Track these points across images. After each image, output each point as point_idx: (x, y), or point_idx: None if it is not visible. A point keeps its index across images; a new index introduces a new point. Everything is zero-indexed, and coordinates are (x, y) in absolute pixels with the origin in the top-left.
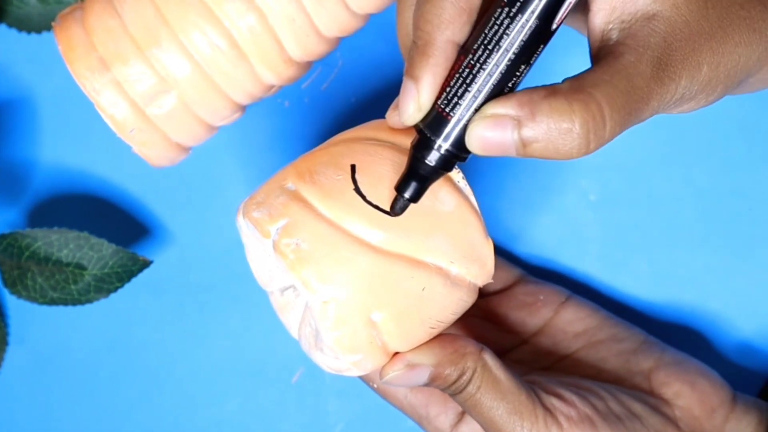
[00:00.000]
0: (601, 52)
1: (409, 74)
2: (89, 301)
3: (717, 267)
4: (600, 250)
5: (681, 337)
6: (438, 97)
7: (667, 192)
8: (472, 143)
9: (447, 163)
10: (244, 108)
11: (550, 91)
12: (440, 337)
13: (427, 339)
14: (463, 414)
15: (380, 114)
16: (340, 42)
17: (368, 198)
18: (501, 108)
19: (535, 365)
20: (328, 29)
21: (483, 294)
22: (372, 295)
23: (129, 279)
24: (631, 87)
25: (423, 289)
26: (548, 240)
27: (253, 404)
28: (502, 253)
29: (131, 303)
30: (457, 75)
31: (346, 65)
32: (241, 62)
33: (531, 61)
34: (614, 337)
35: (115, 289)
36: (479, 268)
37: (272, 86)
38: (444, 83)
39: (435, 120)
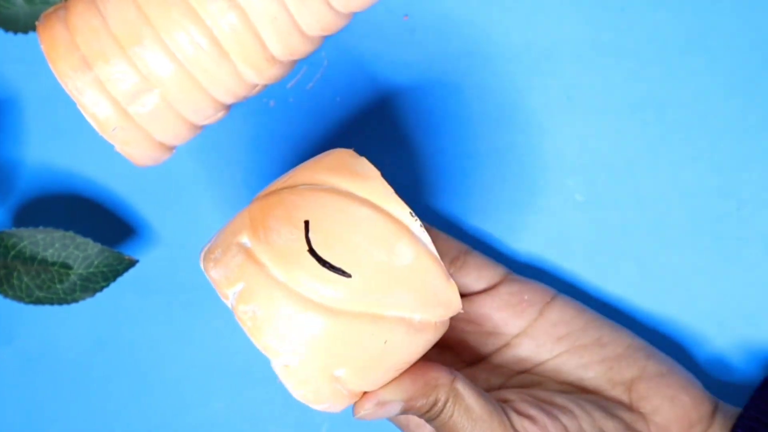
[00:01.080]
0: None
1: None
2: (75, 300)
3: (705, 267)
4: (586, 251)
5: (668, 337)
6: None
7: (654, 192)
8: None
9: None
10: (228, 107)
11: None
12: (412, 370)
13: (395, 376)
14: None
15: (364, 114)
16: (325, 41)
17: (324, 257)
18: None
19: (517, 367)
20: (311, 28)
21: (467, 293)
22: (331, 355)
23: (115, 278)
24: None
25: (385, 342)
26: (534, 240)
27: (240, 404)
28: (488, 252)
29: (117, 302)
30: None
31: (331, 64)
32: (223, 61)
33: None
34: (598, 341)
35: (101, 289)
36: (444, 309)
37: (256, 85)
38: None
39: None
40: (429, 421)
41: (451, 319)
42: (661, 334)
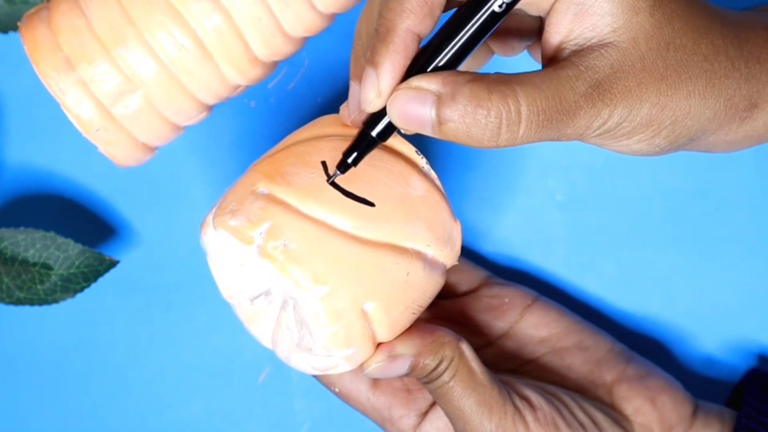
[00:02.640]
0: (546, 65)
1: (370, 61)
2: (56, 300)
3: (684, 267)
4: (566, 251)
5: (647, 337)
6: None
7: (633, 192)
8: (393, 114)
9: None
10: (210, 108)
11: (476, 77)
12: (420, 327)
13: (408, 324)
14: (425, 415)
15: None
16: (306, 42)
17: (345, 190)
18: (425, 82)
19: (500, 368)
20: (294, 29)
21: (449, 296)
22: (363, 286)
23: (95, 279)
24: (559, 96)
25: (407, 274)
26: (514, 240)
27: (220, 404)
28: (468, 253)
29: (98, 303)
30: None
31: (312, 65)
32: (206, 62)
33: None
34: (580, 344)
35: (82, 289)
36: (450, 250)
37: (238, 86)
38: (398, 80)
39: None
40: (430, 383)
41: (435, 318)
42: (640, 334)
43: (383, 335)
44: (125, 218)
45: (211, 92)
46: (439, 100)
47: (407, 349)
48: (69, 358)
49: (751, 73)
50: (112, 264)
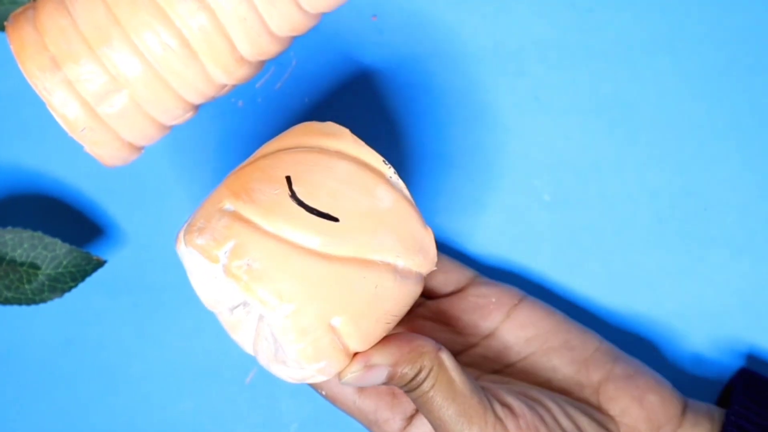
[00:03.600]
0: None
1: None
2: (43, 300)
3: (671, 267)
4: (553, 251)
5: (635, 337)
6: None
7: (621, 192)
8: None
9: None
10: (196, 107)
11: None
12: (398, 336)
13: (384, 334)
14: (411, 419)
15: (333, 114)
16: (293, 41)
17: (309, 206)
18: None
19: (486, 369)
20: (280, 28)
21: (435, 295)
22: (329, 301)
23: (83, 278)
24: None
25: (375, 287)
26: (501, 240)
27: (207, 404)
28: (454, 253)
29: (85, 303)
30: None
31: (300, 64)
32: (192, 61)
33: None
34: (567, 344)
35: (69, 289)
36: (423, 258)
37: (224, 85)
38: None
39: None
40: (410, 392)
41: (421, 318)
42: (628, 334)
43: (356, 346)
44: (112, 218)
45: (197, 92)
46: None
47: (384, 359)
48: (56, 357)
49: None
50: (100, 264)
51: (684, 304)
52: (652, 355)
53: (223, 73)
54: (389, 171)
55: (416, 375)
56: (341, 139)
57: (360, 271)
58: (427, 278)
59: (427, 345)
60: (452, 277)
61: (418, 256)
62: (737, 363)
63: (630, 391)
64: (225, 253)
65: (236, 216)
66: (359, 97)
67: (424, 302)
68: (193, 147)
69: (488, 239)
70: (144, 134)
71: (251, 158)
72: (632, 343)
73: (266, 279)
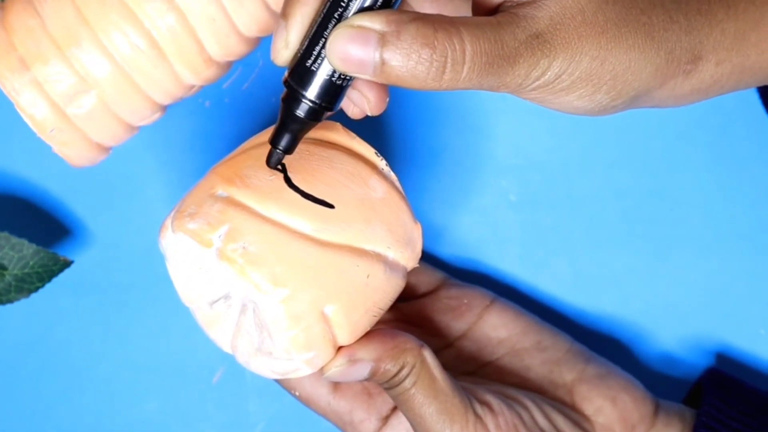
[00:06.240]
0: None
1: (281, 14)
2: (10, 301)
3: (638, 267)
4: (521, 251)
5: (602, 336)
6: (304, 50)
7: (588, 192)
8: (333, 56)
9: (315, 114)
10: (164, 108)
11: (420, 15)
12: (382, 332)
13: (369, 327)
14: (387, 419)
15: None
16: (261, 42)
17: (304, 192)
18: (368, 21)
19: (460, 369)
20: (249, 29)
21: (408, 298)
22: (323, 288)
23: (50, 279)
24: (500, 41)
25: (367, 277)
26: (469, 240)
27: (174, 404)
28: (424, 254)
29: (52, 303)
30: (317, 26)
31: (267, 65)
32: (160, 62)
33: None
34: (538, 345)
35: (36, 289)
36: (411, 252)
37: (192, 86)
38: (306, 34)
39: (301, 73)
40: (391, 389)
41: (394, 320)
42: (595, 333)
43: (344, 338)
44: (80, 218)
45: (166, 92)
46: (383, 39)
47: (368, 354)
48: (23, 358)
49: (691, 25)
50: (67, 264)
51: (651, 303)
52: (620, 354)
53: (191, 73)
54: (381, 162)
55: (398, 372)
56: (334, 130)
57: (353, 260)
58: None
59: (410, 342)
60: (423, 279)
61: (407, 249)
62: (705, 361)
63: (603, 391)
64: (219, 236)
65: (230, 201)
66: None
67: (396, 305)
68: (160, 147)
69: (456, 240)
70: (112, 135)
71: (240, 149)
72: (600, 343)
73: (261, 262)
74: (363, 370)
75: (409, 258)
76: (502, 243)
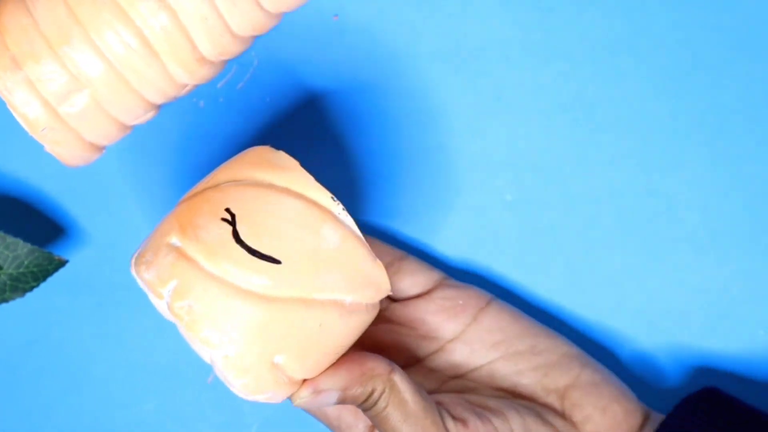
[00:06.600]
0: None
1: None
2: (5, 300)
3: (634, 267)
4: (516, 251)
5: (597, 337)
6: None
7: (583, 192)
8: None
9: None
10: (158, 107)
11: None
12: (349, 358)
13: (331, 363)
14: (373, 427)
15: (294, 114)
16: (255, 41)
17: (252, 247)
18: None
19: (451, 372)
20: (242, 28)
21: (401, 298)
22: (269, 341)
23: (45, 278)
24: None
25: (320, 325)
26: (464, 240)
27: (169, 404)
28: (418, 254)
29: (47, 302)
30: None
31: (261, 64)
32: (153, 61)
33: None
34: (533, 348)
35: (31, 289)
36: (374, 290)
37: (186, 85)
38: None
39: None
40: (365, 411)
41: (387, 321)
42: (589, 333)
43: (303, 376)
44: (74, 218)
45: (159, 91)
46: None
47: (334, 384)
48: (18, 357)
49: None
50: (62, 263)
51: (646, 305)
52: (611, 356)
53: (184, 72)
54: (337, 208)
55: (369, 396)
56: (291, 173)
57: (303, 312)
58: (393, 281)
59: (378, 367)
60: (419, 279)
61: (368, 289)
62: (698, 364)
63: (594, 400)
64: (168, 291)
65: (181, 253)
66: (321, 97)
67: (389, 305)
68: (154, 147)
69: (451, 239)
70: (105, 134)
71: (204, 182)
72: (594, 343)
73: (207, 321)
74: (330, 399)
75: (373, 296)
76: (496, 243)
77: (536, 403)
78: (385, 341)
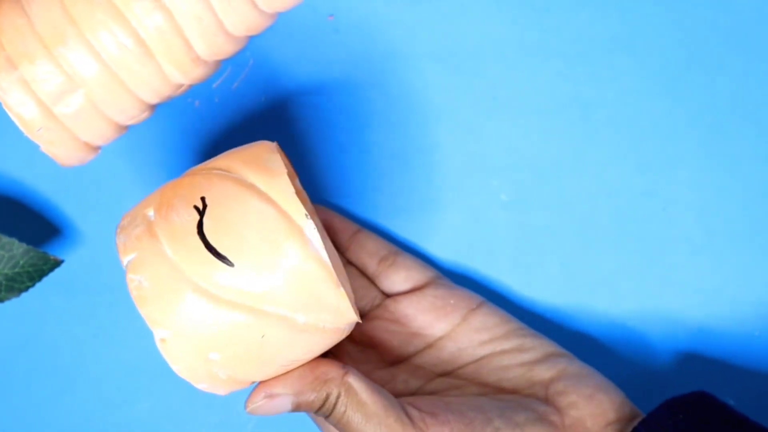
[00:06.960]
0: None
1: None
2: (0, 300)
3: (630, 267)
4: (511, 251)
5: (593, 337)
6: None
7: (579, 192)
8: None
9: None
10: (153, 107)
11: None
12: (304, 365)
13: (285, 372)
14: None
15: (290, 114)
16: (250, 41)
17: (212, 243)
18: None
19: (438, 370)
20: (236, 28)
21: (394, 293)
22: (206, 338)
23: (40, 278)
24: None
25: (262, 336)
26: (459, 240)
27: (165, 404)
28: (414, 253)
29: (42, 302)
30: None
31: (257, 64)
32: (148, 61)
33: None
34: (520, 347)
35: (26, 289)
36: (333, 316)
37: (181, 85)
38: None
39: None
40: (327, 419)
41: (378, 318)
42: (585, 333)
43: (247, 378)
44: (69, 218)
45: (154, 91)
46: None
47: (286, 389)
48: (13, 357)
49: None
50: (57, 263)
51: (642, 304)
52: (606, 356)
53: (179, 72)
54: (309, 226)
55: (324, 402)
56: (274, 179)
57: (246, 319)
58: (387, 274)
59: (331, 371)
60: (413, 274)
61: (324, 313)
62: (694, 364)
63: (580, 389)
64: (127, 261)
65: (150, 228)
66: (316, 96)
67: (382, 301)
68: (149, 147)
69: (446, 239)
70: (100, 134)
71: (204, 164)
72: (589, 343)
73: (150, 301)
74: (285, 404)
75: (333, 320)
76: (492, 243)
77: (520, 395)
78: (374, 338)
